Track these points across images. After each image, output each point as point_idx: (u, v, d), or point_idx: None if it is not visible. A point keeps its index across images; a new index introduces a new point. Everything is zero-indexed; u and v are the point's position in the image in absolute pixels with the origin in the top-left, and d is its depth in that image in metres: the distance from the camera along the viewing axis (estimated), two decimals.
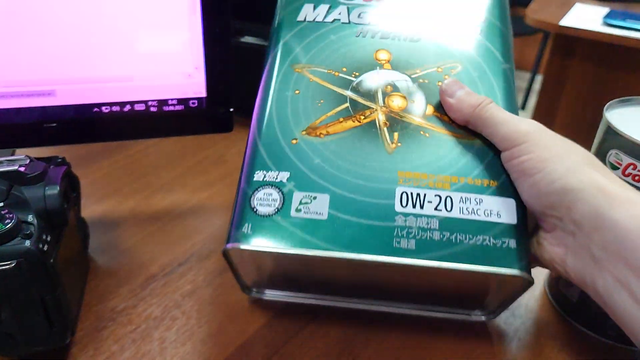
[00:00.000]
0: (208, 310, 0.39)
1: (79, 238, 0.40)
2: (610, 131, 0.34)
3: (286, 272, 0.36)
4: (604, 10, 1.42)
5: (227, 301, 0.40)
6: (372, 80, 0.36)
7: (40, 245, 0.31)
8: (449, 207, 0.32)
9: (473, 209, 0.32)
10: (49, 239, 0.32)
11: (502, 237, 0.31)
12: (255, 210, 0.32)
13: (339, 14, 0.40)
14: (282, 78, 0.37)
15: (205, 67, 0.45)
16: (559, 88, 1.54)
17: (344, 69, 0.37)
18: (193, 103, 0.46)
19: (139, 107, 0.45)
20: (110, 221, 0.49)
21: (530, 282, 0.30)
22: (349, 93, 0.36)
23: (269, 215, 0.31)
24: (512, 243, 0.31)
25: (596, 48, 1.37)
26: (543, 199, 0.30)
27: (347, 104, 0.35)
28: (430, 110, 0.35)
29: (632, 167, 0.33)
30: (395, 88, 0.36)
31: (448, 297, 0.37)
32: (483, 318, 0.38)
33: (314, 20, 0.40)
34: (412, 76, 0.37)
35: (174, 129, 0.47)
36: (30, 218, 0.31)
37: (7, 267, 0.29)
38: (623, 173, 0.34)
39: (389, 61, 0.37)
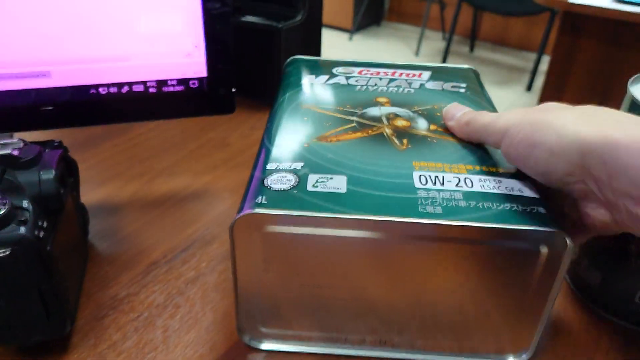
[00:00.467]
0: (212, 297, 0.38)
1: (78, 224, 0.38)
2: (636, 106, 0.33)
3: (293, 270, 0.32)
4: None
5: (232, 287, 0.39)
6: (375, 111, 0.39)
7: (36, 232, 0.29)
8: (469, 185, 0.31)
9: (494, 185, 0.31)
10: (45, 225, 0.30)
11: (529, 205, 0.30)
12: (269, 187, 0.30)
13: (338, 80, 0.45)
14: (290, 112, 0.39)
15: (205, 45, 0.43)
16: (567, 67, 1.51)
17: (348, 106, 0.40)
18: (193, 83, 0.44)
19: (138, 88, 0.43)
20: (110, 206, 0.47)
21: (570, 245, 0.28)
22: (354, 118, 0.38)
23: (285, 190, 0.30)
24: (541, 209, 0.29)
25: (605, 25, 1.34)
26: (554, 170, 0.29)
27: (354, 124, 0.37)
28: (433, 127, 0.37)
29: None
30: (397, 115, 0.39)
31: (475, 319, 0.33)
32: (520, 358, 0.34)
33: (315, 82, 0.44)
34: (412, 110, 0.40)
35: (174, 111, 0.46)
36: (25, 204, 0.30)
37: (2, 255, 0.28)
38: None
39: (388, 102, 0.41)
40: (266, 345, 0.34)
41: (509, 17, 3.25)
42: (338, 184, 0.31)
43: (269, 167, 0.32)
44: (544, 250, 0.29)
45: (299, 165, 0.32)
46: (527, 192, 0.31)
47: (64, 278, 0.32)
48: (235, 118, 0.64)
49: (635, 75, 0.35)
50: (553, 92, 1.61)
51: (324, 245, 0.30)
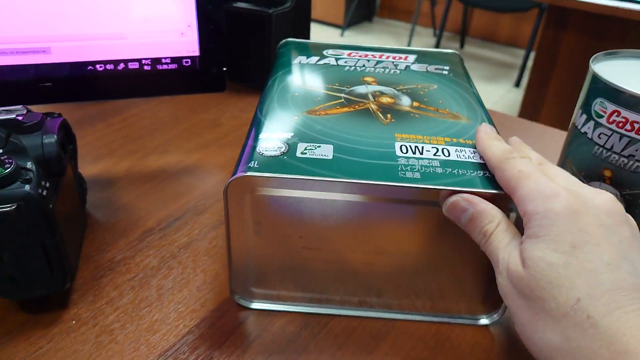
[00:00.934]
0: (203, 260, 0.40)
1: (77, 191, 0.41)
2: (596, 80, 0.35)
3: (282, 232, 0.34)
4: None
5: (222, 252, 0.41)
6: (362, 89, 0.42)
7: (40, 190, 0.31)
8: (446, 154, 0.34)
9: (469, 156, 0.34)
10: (47, 185, 0.33)
11: None
12: (261, 153, 0.33)
13: (328, 60, 0.47)
14: (282, 88, 0.42)
15: (197, 25, 0.45)
16: (552, 61, 1.54)
17: (337, 84, 0.43)
18: (186, 62, 0.47)
19: (133, 66, 0.45)
20: (106, 180, 0.49)
21: None
22: (342, 95, 0.41)
23: (276, 156, 0.32)
24: None
25: (589, 20, 1.37)
26: None
27: (342, 100, 0.40)
28: (416, 104, 0.40)
29: (616, 114, 0.34)
30: (382, 93, 0.41)
31: (450, 277, 0.36)
32: (492, 318, 0.37)
33: (307, 63, 0.47)
34: (396, 89, 0.42)
35: (167, 88, 0.48)
36: (29, 165, 0.32)
37: (8, 209, 0.30)
38: (607, 121, 0.35)
39: (374, 81, 0.43)
40: (256, 305, 0.37)
41: (499, 14, 3.29)
42: (325, 151, 0.33)
43: (261, 136, 0.35)
44: (512, 214, 0.32)
45: (289, 135, 0.35)
46: None
47: (64, 235, 0.34)
48: (226, 100, 0.66)
49: (597, 54, 0.38)
50: (538, 87, 1.64)
51: (311, 208, 0.33)
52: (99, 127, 0.58)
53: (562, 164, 0.40)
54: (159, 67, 0.46)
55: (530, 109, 1.71)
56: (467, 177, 0.32)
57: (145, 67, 0.46)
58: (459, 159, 0.33)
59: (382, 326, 0.36)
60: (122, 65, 0.45)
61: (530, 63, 2.79)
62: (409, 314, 0.37)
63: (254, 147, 0.33)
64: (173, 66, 0.46)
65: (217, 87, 0.49)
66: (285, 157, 0.32)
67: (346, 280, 0.36)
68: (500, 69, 3.11)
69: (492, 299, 0.36)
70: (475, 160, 0.33)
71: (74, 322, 0.35)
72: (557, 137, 0.61)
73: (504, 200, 0.31)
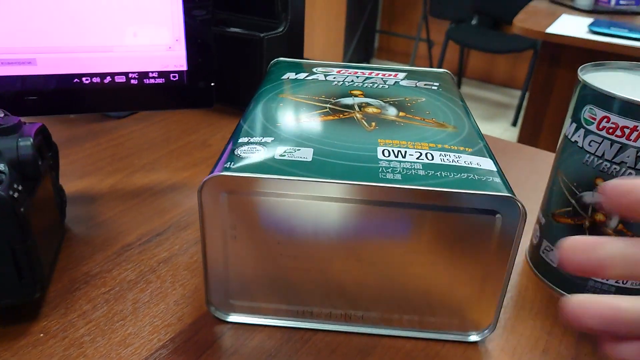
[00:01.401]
0: (183, 274, 0.39)
1: (55, 202, 0.39)
2: (584, 88, 0.35)
3: (260, 237, 0.33)
4: (589, 20, 1.45)
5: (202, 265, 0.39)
6: (348, 101, 0.41)
7: (11, 192, 0.30)
8: (430, 158, 0.33)
9: (453, 159, 0.33)
10: (20, 188, 0.31)
11: (485, 175, 0.31)
12: (239, 155, 0.32)
13: (317, 76, 0.47)
14: (267, 99, 0.41)
15: (185, 39, 0.45)
16: (546, 96, 1.56)
17: (323, 96, 0.42)
18: (174, 76, 0.46)
19: (120, 79, 0.45)
20: (89, 196, 0.48)
21: (523, 211, 0.30)
22: (328, 106, 0.40)
23: (253, 158, 0.32)
24: (497, 179, 0.31)
25: (581, 55, 1.39)
26: None
27: (327, 110, 0.40)
28: (402, 114, 0.39)
29: (605, 119, 0.33)
30: (369, 104, 0.41)
31: (438, 286, 0.34)
32: (483, 334, 0.35)
33: (295, 78, 0.47)
34: (384, 101, 0.42)
35: (154, 103, 0.48)
36: (1, 167, 0.31)
37: None
38: (597, 127, 0.34)
39: (362, 94, 0.43)
40: (233, 318, 0.35)
41: (495, 55, 3.35)
42: (304, 154, 0.32)
43: (240, 140, 0.34)
44: (498, 217, 0.31)
45: (269, 139, 0.34)
46: (485, 165, 0.33)
47: (37, 242, 0.33)
48: (217, 122, 0.65)
49: (584, 65, 0.37)
50: (533, 121, 1.65)
51: (288, 211, 0.31)
52: (87, 146, 0.58)
53: (554, 176, 0.39)
54: (146, 81, 0.46)
55: (527, 144, 1.71)
56: (449, 179, 0.31)
57: (132, 81, 0.45)
58: (443, 163, 0.32)
59: (368, 341, 0.34)
60: (108, 79, 0.45)
61: (526, 103, 2.83)
62: (396, 329, 0.35)
63: (232, 150, 0.33)
64: (160, 80, 0.46)
65: (204, 102, 0.49)
66: (264, 159, 0.31)
67: (329, 292, 0.34)
68: (498, 109, 3.14)
69: (482, 313, 0.35)
70: (459, 164, 0.32)
71: (42, 334, 0.33)
72: (549, 160, 0.60)
73: (497, 203, 0.30)
